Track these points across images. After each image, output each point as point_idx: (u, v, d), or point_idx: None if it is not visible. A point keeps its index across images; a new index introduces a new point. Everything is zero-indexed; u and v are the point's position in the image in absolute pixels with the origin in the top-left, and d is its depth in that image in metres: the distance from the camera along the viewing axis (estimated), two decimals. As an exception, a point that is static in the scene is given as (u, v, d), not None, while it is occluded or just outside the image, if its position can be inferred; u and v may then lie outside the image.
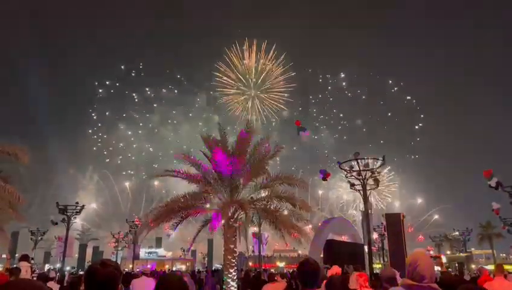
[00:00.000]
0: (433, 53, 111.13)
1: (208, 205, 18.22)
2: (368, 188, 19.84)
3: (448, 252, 64.55)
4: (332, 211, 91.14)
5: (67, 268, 47.22)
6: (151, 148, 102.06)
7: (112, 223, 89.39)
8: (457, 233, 60.91)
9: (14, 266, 14.23)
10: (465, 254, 57.87)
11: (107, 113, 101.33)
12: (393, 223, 21.47)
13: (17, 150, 15.70)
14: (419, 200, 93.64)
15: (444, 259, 48.49)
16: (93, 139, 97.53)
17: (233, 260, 17.72)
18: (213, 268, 43.73)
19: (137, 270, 30.59)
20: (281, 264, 57.74)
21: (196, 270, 35.56)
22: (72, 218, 34.43)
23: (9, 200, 15.46)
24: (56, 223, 41.22)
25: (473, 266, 50.29)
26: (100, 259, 2.85)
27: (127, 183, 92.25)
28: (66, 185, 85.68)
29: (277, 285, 10.09)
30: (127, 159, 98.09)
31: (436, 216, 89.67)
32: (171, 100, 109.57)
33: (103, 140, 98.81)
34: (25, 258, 12.40)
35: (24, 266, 11.70)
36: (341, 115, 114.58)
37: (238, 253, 19.23)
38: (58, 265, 49.01)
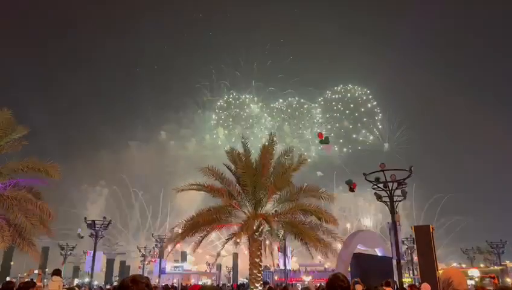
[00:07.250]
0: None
1: (232, 219, 18.18)
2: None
3: (482, 265, 62.03)
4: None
5: (96, 283, 47.86)
6: (159, 163, 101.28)
7: (119, 238, 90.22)
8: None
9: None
10: (499, 267, 55.46)
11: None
12: (423, 235, 20.84)
13: (48, 167, 16.15)
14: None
15: (477, 272, 46.57)
16: (105, 155, 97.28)
17: (259, 274, 17.54)
18: (239, 282, 43.43)
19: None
20: (307, 279, 56.73)
21: (221, 284, 35.45)
22: (100, 232, 35.00)
23: (40, 216, 15.84)
24: (82, 237, 42.49)
25: (508, 280, 48.02)
26: (132, 275, 2.87)
27: (138, 197, 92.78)
28: (77, 200, 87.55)
29: None
30: (136, 174, 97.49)
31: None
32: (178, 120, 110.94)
33: (113, 157, 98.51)
34: (57, 273, 12.71)
35: (57, 280, 12.00)
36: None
37: (263, 267, 19.03)
38: (86, 279, 49.84)
